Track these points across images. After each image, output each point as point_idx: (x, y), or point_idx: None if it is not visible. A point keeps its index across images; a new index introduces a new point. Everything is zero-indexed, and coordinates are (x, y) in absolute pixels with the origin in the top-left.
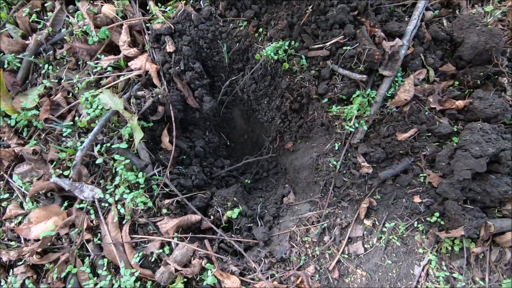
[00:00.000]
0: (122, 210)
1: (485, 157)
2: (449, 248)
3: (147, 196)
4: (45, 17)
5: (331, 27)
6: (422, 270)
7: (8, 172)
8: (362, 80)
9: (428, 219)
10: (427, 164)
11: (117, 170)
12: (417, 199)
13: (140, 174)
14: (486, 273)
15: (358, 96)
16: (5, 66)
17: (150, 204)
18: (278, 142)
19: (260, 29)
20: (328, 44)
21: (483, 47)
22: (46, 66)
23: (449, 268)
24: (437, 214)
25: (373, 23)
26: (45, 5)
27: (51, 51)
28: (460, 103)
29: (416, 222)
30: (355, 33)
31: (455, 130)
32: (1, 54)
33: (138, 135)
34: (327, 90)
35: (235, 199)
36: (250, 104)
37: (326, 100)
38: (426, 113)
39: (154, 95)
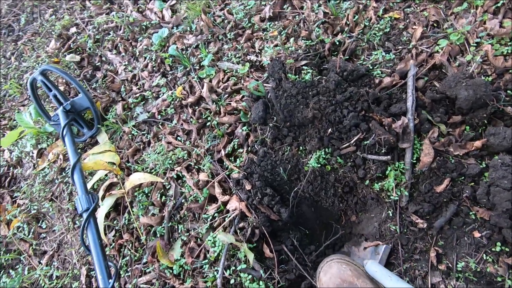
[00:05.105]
0: None
1: None
2: None
3: None
4: (168, 194)
5: (350, 129)
6: None
7: None
8: (388, 159)
9: (493, 249)
10: (472, 202)
11: (244, 284)
12: (476, 234)
13: (261, 283)
14: None
15: (390, 170)
16: (157, 235)
17: None
18: (344, 219)
19: (301, 147)
20: (352, 141)
21: (475, 97)
22: (179, 226)
23: None
24: (499, 243)
25: (379, 115)
26: (167, 187)
27: (178, 215)
28: (477, 143)
29: (484, 255)
30: (369, 126)
31: (484, 166)
32: (152, 227)
33: (250, 256)
34: (365, 174)
35: None
36: (313, 199)
37: (367, 181)
38: (452, 161)
39: (250, 223)
